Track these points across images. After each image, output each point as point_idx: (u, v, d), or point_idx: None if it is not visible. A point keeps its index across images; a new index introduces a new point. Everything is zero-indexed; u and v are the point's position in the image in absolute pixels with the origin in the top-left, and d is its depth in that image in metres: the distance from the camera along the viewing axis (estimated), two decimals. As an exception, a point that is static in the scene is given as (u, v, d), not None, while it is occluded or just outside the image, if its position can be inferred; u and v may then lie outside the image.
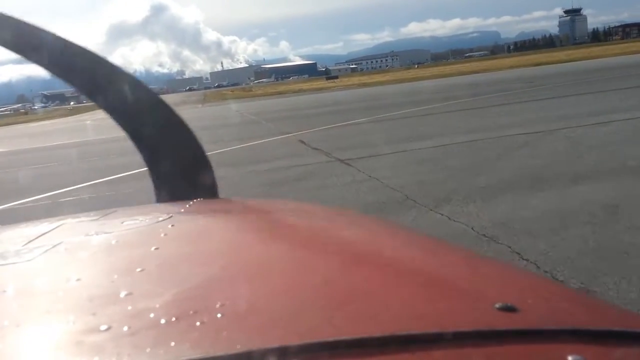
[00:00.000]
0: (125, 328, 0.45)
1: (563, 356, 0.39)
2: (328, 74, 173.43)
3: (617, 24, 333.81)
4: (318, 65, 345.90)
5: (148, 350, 0.41)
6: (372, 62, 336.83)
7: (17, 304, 0.55)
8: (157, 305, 0.49)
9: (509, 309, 0.46)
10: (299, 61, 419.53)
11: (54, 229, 0.89)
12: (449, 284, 0.58)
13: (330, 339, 0.40)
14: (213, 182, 1.14)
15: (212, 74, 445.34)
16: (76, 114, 63.38)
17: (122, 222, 0.89)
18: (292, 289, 0.54)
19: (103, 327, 0.45)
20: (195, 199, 1.07)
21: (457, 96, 20.90)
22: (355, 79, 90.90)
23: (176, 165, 1.13)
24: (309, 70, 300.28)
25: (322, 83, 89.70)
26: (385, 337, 0.40)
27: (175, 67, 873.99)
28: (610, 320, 0.52)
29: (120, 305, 0.50)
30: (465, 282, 0.59)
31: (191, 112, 37.47)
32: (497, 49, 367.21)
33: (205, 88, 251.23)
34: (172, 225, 0.84)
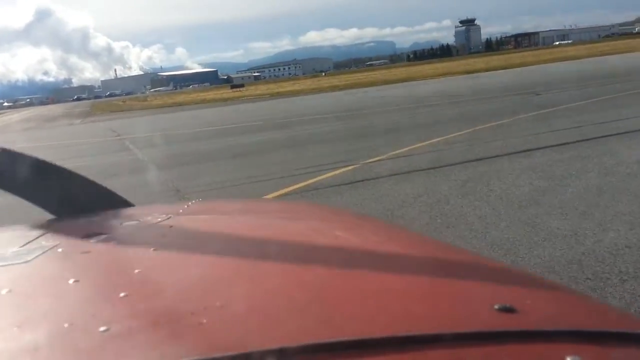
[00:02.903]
0: (124, 329, 0.44)
1: (561, 357, 0.39)
2: (231, 82, 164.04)
3: (501, 35, 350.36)
4: (219, 73, 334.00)
5: (147, 351, 0.40)
6: (274, 70, 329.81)
7: (15, 305, 0.55)
8: (156, 307, 0.49)
9: (507, 310, 0.46)
10: (199, 69, 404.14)
11: (52, 229, 0.88)
12: (448, 284, 0.57)
13: (329, 340, 0.40)
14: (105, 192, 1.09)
15: (104, 81, 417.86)
16: None
17: (121, 223, 0.89)
18: (291, 289, 0.53)
19: (101, 329, 0.44)
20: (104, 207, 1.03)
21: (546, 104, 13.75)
22: (264, 88, 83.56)
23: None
24: (210, 78, 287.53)
25: (226, 92, 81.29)
26: (384, 338, 0.40)
27: (63, 75, 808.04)
28: (608, 321, 0.52)
29: (118, 307, 0.50)
30: (464, 283, 0.59)
31: (58, 134, 27.91)
32: (395, 58, 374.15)
33: (96, 97, 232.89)
34: (171, 226, 0.84)
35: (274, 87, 79.51)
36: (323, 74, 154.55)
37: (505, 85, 24.88)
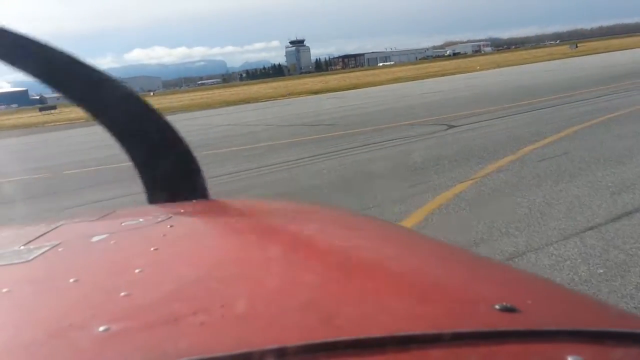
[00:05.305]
0: (124, 329, 0.44)
1: (562, 357, 0.39)
2: (43, 103, 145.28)
3: (328, 56, 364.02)
4: (31, 93, 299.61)
5: (147, 351, 0.41)
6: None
7: (15, 304, 0.56)
8: (156, 306, 0.50)
9: (508, 310, 0.46)
10: (7, 87, 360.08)
11: (53, 229, 0.89)
12: (448, 284, 0.57)
13: (330, 339, 0.40)
14: (204, 183, 1.12)
15: None
16: None
17: (121, 223, 0.89)
18: (291, 289, 0.54)
19: (102, 328, 0.44)
20: (191, 199, 1.05)
21: None
22: (79, 110, 72.76)
23: (172, 166, 1.10)
24: (18, 99, 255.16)
25: (34, 115, 69.40)
26: (385, 338, 0.40)
27: None
28: (609, 321, 0.52)
29: (118, 306, 0.50)
30: (465, 283, 0.59)
31: None
32: (228, 77, 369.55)
33: None
34: (171, 226, 0.84)
35: (93, 109, 69.30)
36: (151, 93, 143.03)
37: (384, 110, 20.40)
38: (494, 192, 6.48)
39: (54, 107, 77.62)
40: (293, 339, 0.40)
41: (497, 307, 0.46)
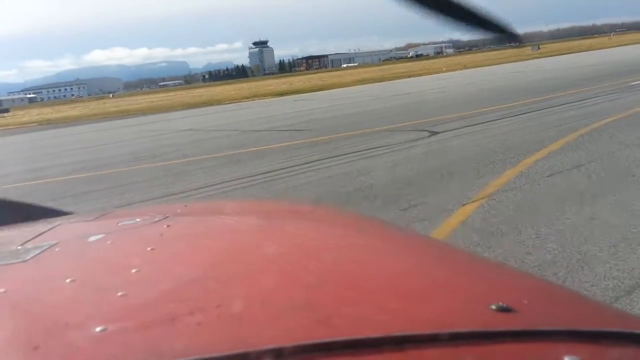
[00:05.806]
0: (121, 329, 0.44)
1: (559, 356, 0.38)
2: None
3: (292, 57, 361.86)
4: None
5: (144, 351, 0.40)
6: (54, 91, 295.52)
7: (12, 304, 0.55)
8: (153, 306, 0.49)
9: (504, 310, 0.45)
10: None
11: (50, 229, 0.88)
12: (445, 284, 0.57)
13: (326, 339, 0.40)
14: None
15: None
16: None
17: (118, 223, 0.89)
18: (288, 290, 0.53)
19: (98, 328, 0.44)
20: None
21: None
22: (35, 113, 70.19)
23: None
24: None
25: (-15, 119, 66.14)
26: (381, 338, 0.40)
27: None
28: (605, 321, 0.52)
29: (115, 306, 0.50)
30: (461, 283, 0.58)
31: None
32: (190, 78, 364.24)
33: None
34: (168, 226, 0.83)
35: (48, 112, 66.87)
36: (111, 95, 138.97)
37: (356, 114, 19.17)
38: (508, 220, 5.35)
39: (7, 110, 74.08)
40: (290, 339, 0.40)
41: (493, 307, 0.45)
